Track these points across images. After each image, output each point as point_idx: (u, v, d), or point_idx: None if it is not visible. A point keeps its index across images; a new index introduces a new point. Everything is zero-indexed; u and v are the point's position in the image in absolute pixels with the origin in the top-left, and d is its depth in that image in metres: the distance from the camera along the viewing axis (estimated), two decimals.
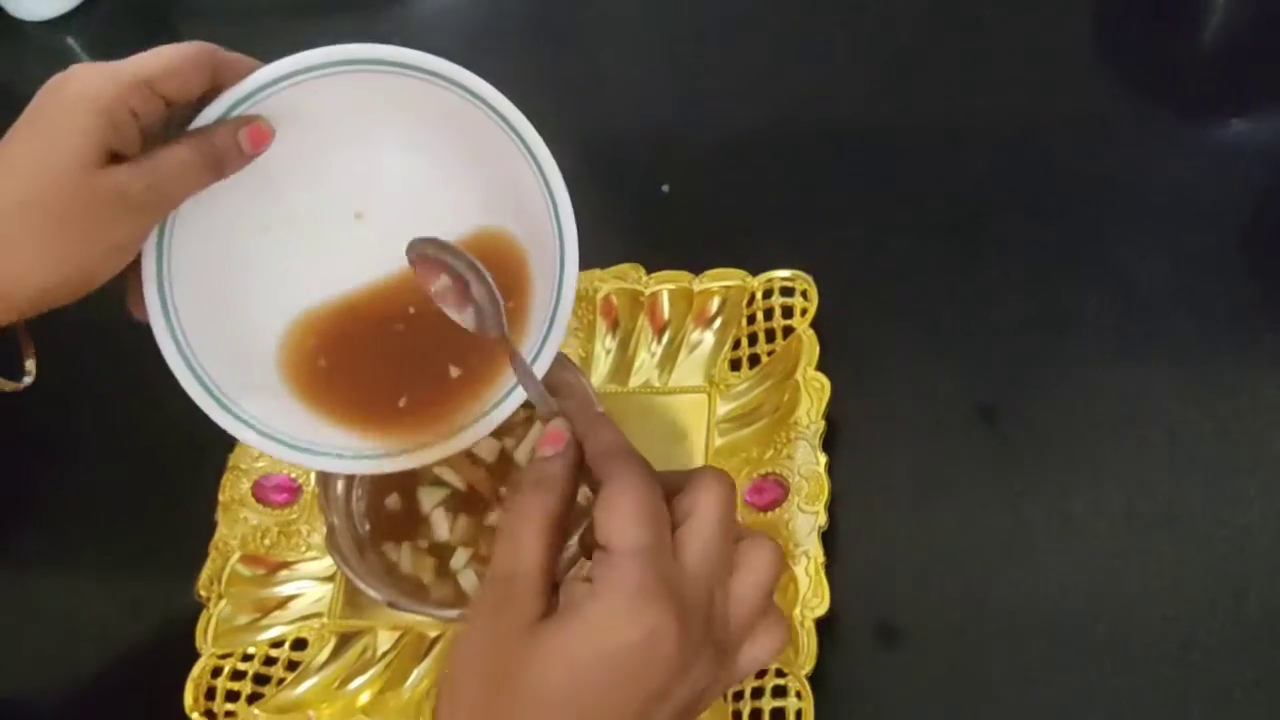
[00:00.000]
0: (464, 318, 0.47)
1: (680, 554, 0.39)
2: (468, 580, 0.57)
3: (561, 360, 0.57)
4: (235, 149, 0.47)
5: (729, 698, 0.55)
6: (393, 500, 0.59)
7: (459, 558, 0.58)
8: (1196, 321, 0.61)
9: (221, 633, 0.62)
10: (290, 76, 0.46)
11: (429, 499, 0.59)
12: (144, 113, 0.44)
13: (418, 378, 0.51)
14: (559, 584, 0.40)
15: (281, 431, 0.50)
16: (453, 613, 0.55)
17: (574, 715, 0.37)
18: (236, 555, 0.64)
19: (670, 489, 0.40)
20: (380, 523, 0.59)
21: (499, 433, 0.59)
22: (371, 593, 0.54)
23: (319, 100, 0.47)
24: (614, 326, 0.66)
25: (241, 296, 0.50)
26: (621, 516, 0.38)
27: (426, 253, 0.48)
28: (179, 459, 0.68)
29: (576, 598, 0.38)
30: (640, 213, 0.72)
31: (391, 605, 0.54)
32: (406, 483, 0.60)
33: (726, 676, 0.40)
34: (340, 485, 0.58)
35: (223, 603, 0.62)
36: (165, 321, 0.47)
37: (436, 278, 0.48)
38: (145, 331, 0.47)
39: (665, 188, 0.72)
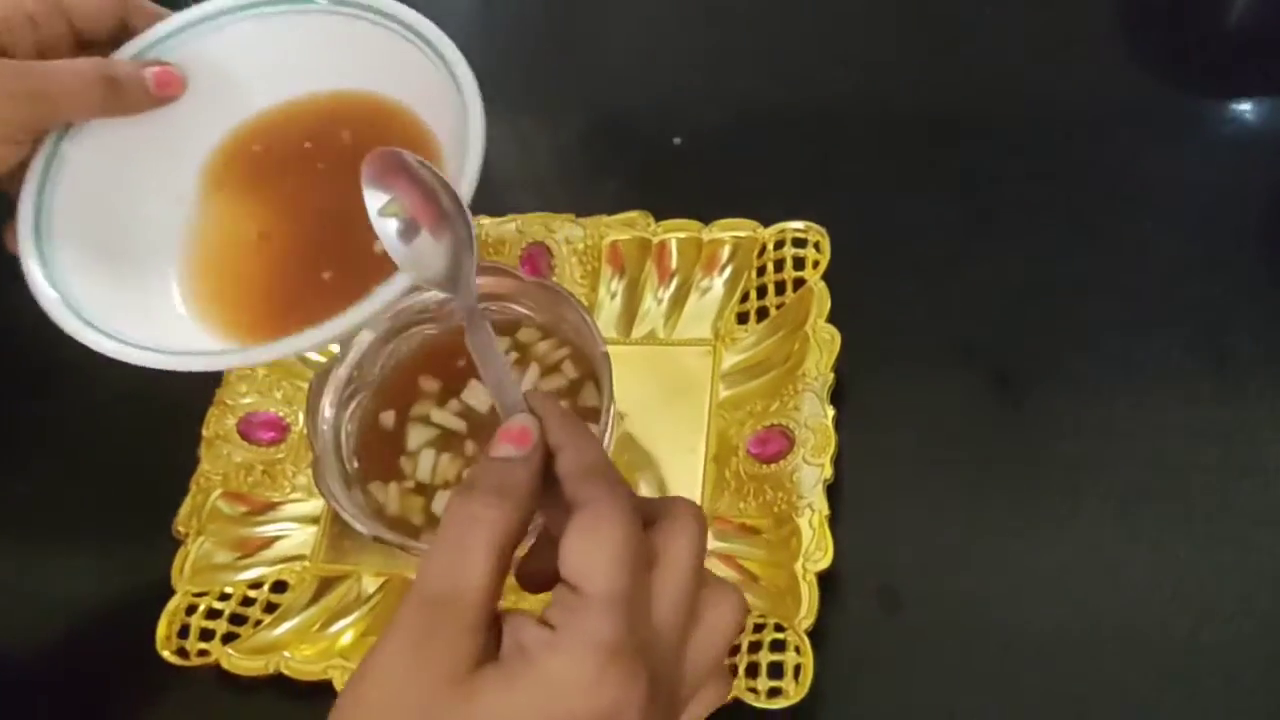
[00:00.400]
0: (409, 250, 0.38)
1: (654, 605, 0.33)
2: None
3: (563, 295, 0.56)
4: (140, 84, 0.44)
5: None
6: (381, 436, 0.57)
7: (440, 500, 0.56)
8: (1216, 291, 0.59)
9: (199, 570, 0.59)
10: (200, 22, 0.45)
11: (417, 437, 0.57)
12: (44, 24, 0.42)
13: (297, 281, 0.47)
14: (500, 616, 0.34)
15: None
16: None
17: None
18: (218, 492, 0.61)
19: (643, 519, 0.35)
20: (368, 460, 0.57)
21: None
22: (357, 525, 0.52)
23: (231, 49, 0.46)
24: (620, 274, 0.64)
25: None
26: (599, 553, 0.32)
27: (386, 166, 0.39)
28: (164, 391, 0.65)
29: (528, 644, 0.32)
30: (651, 164, 0.70)
31: (377, 539, 0.52)
32: (397, 419, 0.58)
33: None
34: (328, 417, 0.56)
35: (201, 540, 0.60)
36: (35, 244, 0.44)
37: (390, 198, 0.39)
38: None
39: (677, 140, 0.70)
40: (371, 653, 0.33)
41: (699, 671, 0.35)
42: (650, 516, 0.35)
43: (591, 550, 0.33)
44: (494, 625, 0.33)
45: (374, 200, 0.38)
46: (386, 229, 0.38)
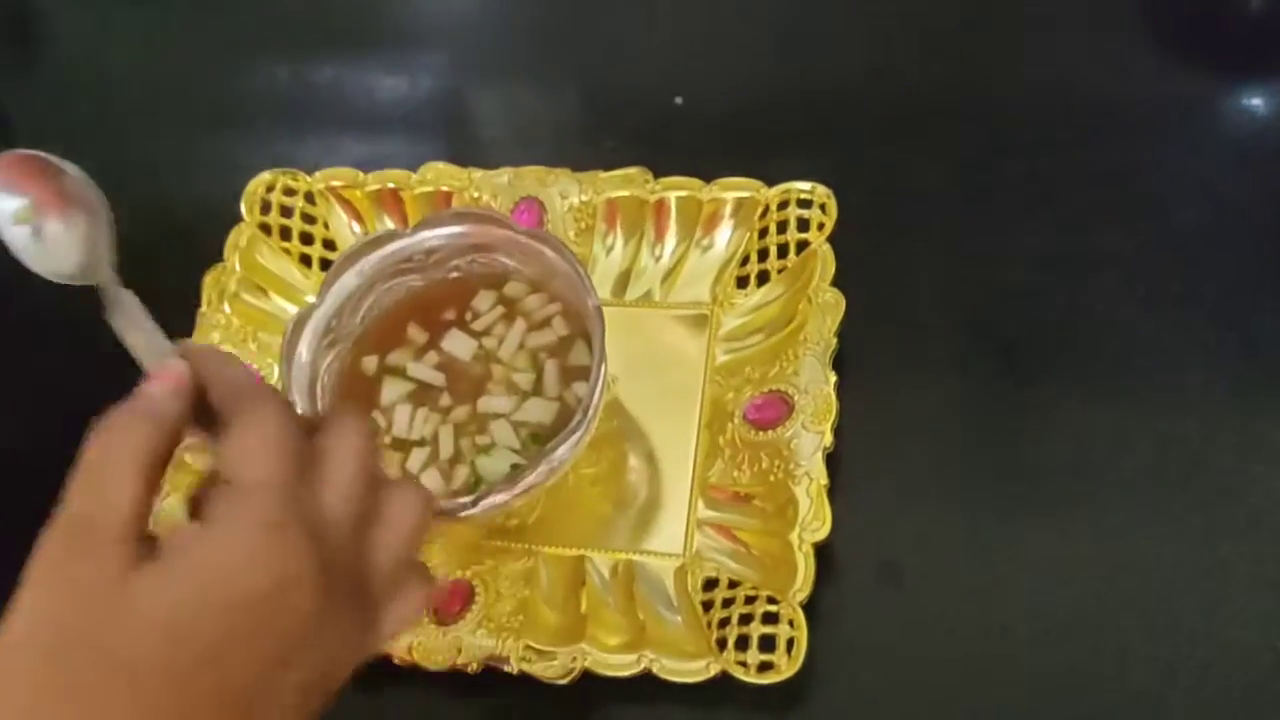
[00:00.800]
0: None
1: (319, 493, 0.33)
2: (430, 480, 0.52)
3: (555, 245, 0.53)
4: None
5: (714, 624, 0.50)
6: (358, 388, 0.55)
7: (415, 457, 0.53)
8: (1235, 265, 0.57)
9: (164, 528, 0.56)
10: None
11: (392, 391, 0.54)
12: None
13: None
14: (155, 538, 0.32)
15: None
16: None
17: (171, 689, 0.29)
18: (188, 441, 0.58)
19: (306, 430, 0.35)
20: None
21: (476, 333, 0.56)
22: None
23: None
24: (615, 233, 0.62)
25: None
26: (254, 445, 0.32)
27: None
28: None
29: (184, 539, 0.31)
30: (651, 123, 0.67)
31: None
32: (377, 370, 0.55)
33: (369, 641, 0.34)
34: (304, 364, 0.53)
35: (165, 495, 0.57)
36: None
37: None
38: None
39: (678, 100, 0.67)
40: (18, 589, 0.31)
41: (387, 567, 0.34)
42: (313, 429, 0.35)
43: (246, 443, 0.32)
44: (148, 540, 0.32)
45: (6, 206, 0.37)
46: (16, 236, 0.37)
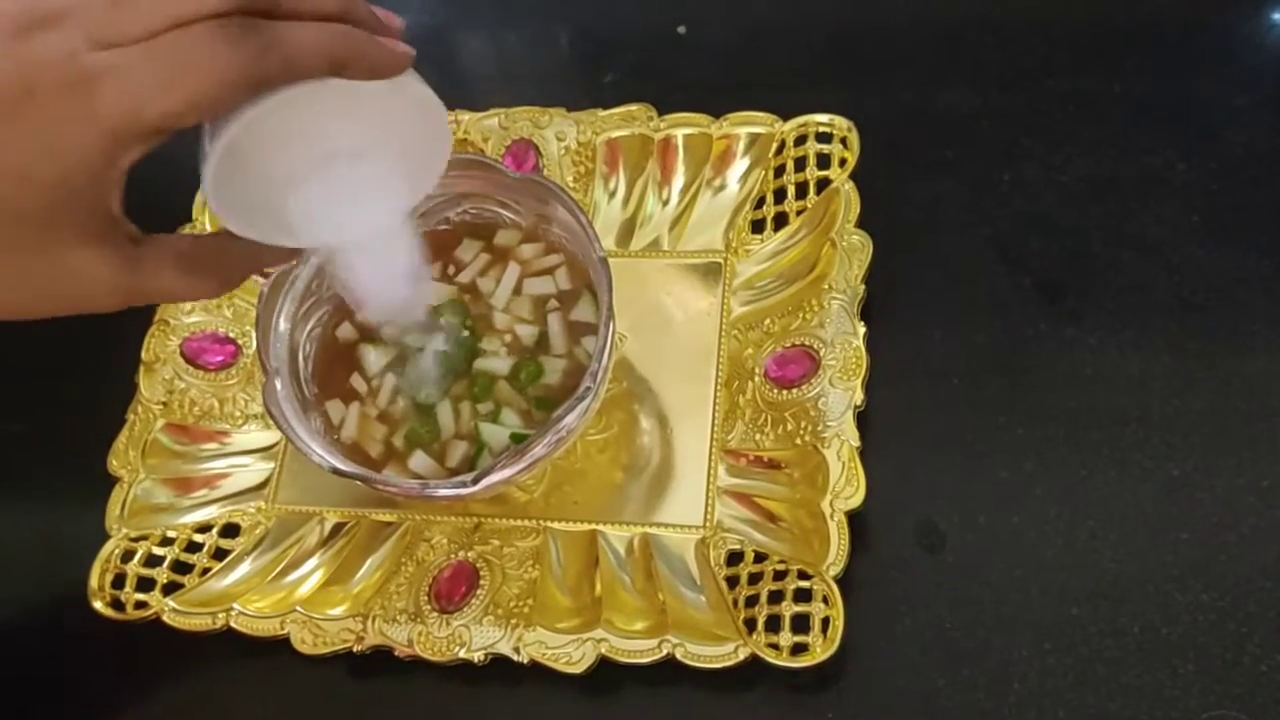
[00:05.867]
0: None
1: None
2: (418, 462, 0.48)
3: (553, 191, 0.48)
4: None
5: (741, 603, 0.46)
6: (342, 353, 0.51)
7: (400, 435, 0.49)
8: None
9: (136, 512, 0.52)
10: None
11: (377, 360, 0.50)
12: None
13: None
14: None
15: None
16: (410, 483, 0.45)
17: None
18: (160, 423, 0.54)
19: None
20: (328, 381, 0.50)
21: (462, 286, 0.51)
22: (312, 456, 0.45)
23: None
24: (618, 176, 0.56)
25: None
26: None
27: None
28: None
29: None
30: (651, 54, 0.62)
31: (337, 473, 0.45)
32: (360, 334, 0.51)
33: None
34: (283, 333, 0.49)
35: (140, 477, 0.53)
36: None
37: None
38: None
39: (681, 29, 0.62)
40: None
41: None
42: None
43: None
44: None
45: None
46: None
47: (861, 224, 0.52)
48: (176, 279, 0.34)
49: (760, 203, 0.55)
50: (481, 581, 0.48)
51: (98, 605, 0.50)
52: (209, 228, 0.57)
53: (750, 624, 0.45)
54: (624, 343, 0.53)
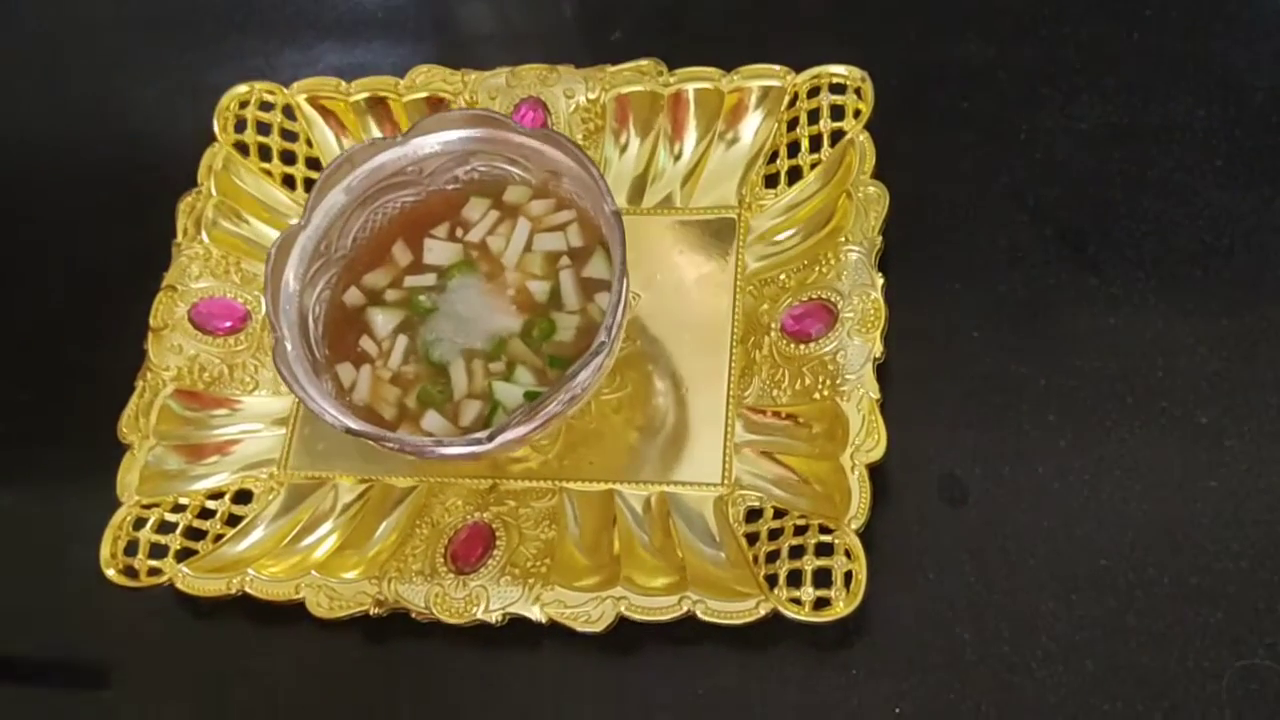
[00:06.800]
0: None
1: None
2: (432, 422, 0.47)
3: (565, 145, 0.47)
4: None
5: (761, 559, 0.45)
6: (352, 315, 0.50)
7: (413, 396, 0.48)
8: None
9: (148, 479, 0.52)
10: None
11: (387, 320, 0.49)
12: None
13: None
14: None
15: None
16: (424, 440, 0.45)
17: None
18: (169, 389, 0.53)
19: None
20: (338, 343, 0.49)
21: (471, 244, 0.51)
22: (325, 417, 0.44)
23: None
24: (628, 132, 0.55)
25: None
26: None
27: None
28: (103, 275, 0.58)
29: None
30: (659, 8, 0.61)
31: (350, 433, 0.44)
32: (368, 297, 0.50)
33: None
34: (293, 293, 0.48)
35: (150, 444, 0.52)
36: None
37: None
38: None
39: None
40: None
41: None
42: None
43: None
44: None
45: None
46: None
47: (877, 174, 0.51)
48: None
49: (774, 156, 0.54)
50: (498, 542, 0.48)
51: (110, 573, 0.49)
52: (214, 192, 0.56)
53: (771, 580, 0.44)
54: (638, 301, 0.53)
